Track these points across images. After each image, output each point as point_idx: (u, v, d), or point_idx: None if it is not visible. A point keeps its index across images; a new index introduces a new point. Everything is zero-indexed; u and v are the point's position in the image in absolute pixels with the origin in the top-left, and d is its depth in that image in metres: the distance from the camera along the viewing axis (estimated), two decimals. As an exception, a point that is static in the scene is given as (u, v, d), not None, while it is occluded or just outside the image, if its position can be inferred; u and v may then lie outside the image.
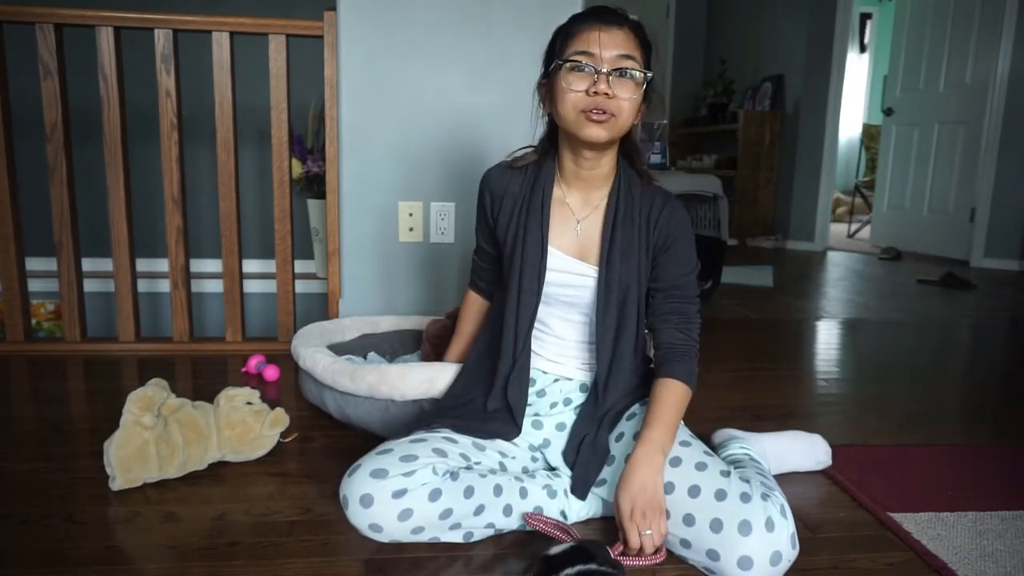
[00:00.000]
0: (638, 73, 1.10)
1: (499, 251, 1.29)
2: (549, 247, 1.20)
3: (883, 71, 5.94)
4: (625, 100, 1.10)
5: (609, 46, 1.09)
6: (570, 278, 1.21)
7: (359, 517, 1.02)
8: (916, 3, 4.91)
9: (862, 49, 7.52)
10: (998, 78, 4.23)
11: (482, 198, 1.29)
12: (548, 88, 1.17)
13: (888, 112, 5.19)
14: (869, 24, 7.46)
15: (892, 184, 5.15)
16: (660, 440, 1.08)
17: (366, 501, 1.01)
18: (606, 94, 1.08)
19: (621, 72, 1.09)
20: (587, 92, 1.09)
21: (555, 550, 0.94)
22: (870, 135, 6.46)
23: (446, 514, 1.04)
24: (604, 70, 1.08)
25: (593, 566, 0.90)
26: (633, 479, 1.05)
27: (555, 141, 1.23)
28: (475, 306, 1.43)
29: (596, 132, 1.11)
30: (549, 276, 1.20)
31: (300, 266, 3.11)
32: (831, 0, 4.88)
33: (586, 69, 1.09)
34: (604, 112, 1.09)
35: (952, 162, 4.58)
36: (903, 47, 5.03)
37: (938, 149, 4.70)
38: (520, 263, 1.20)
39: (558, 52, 1.13)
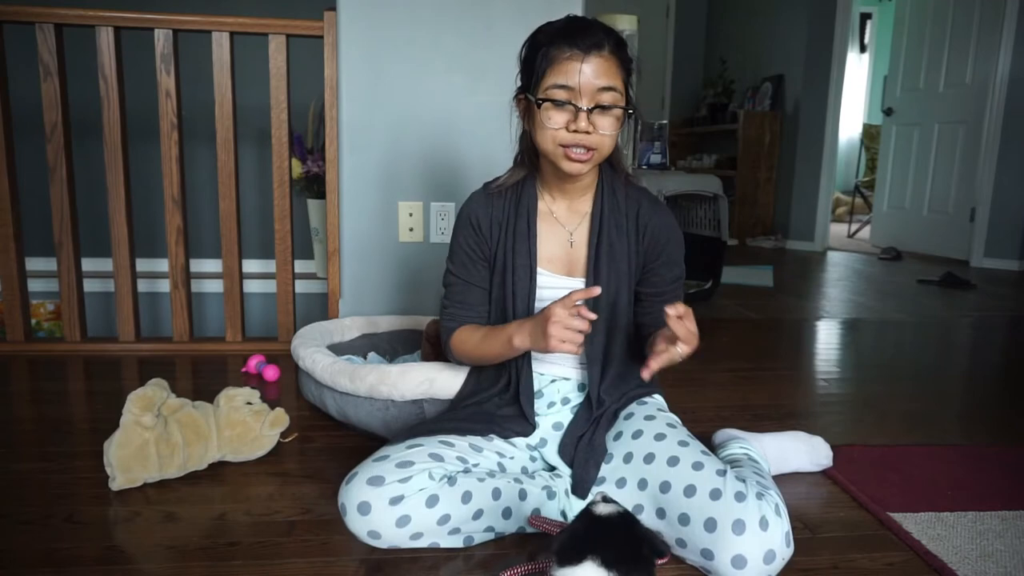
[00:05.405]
0: (619, 109, 1.08)
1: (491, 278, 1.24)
2: (538, 268, 1.20)
3: (883, 71, 5.93)
4: (607, 135, 1.08)
5: (590, 77, 1.05)
6: (560, 292, 1.20)
7: (357, 524, 1.02)
8: (916, 3, 4.91)
9: (862, 49, 7.52)
10: (998, 78, 4.23)
11: (469, 225, 1.21)
12: (527, 107, 1.14)
13: (888, 112, 5.19)
14: (869, 24, 7.46)
15: (892, 184, 5.14)
16: None
17: (363, 508, 1.01)
18: (587, 132, 1.06)
19: (603, 107, 1.07)
20: (567, 128, 1.07)
21: (603, 510, 0.85)
22: (870, 135, 6.45)
23: (444, 520, 1.03)
24: (584, 107, 1.06)
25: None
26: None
27: (536, 152, 1.19)
28: (471, 327, 1.24)
29: (576, 168, 1.10)
30: (539, 294, 1.21)
31: (300, 266, 3.11)
32: (831, 0, 4.88)
33: (565, 106, 1.07)
34: (587, 151, 1.08)
35: (952, 162, 4.57)
36: (903, 47, 5.03)
37: (938, 149, 4.70)
38: (512, 288, 1.20)
39: (536, 77, 1.09)
